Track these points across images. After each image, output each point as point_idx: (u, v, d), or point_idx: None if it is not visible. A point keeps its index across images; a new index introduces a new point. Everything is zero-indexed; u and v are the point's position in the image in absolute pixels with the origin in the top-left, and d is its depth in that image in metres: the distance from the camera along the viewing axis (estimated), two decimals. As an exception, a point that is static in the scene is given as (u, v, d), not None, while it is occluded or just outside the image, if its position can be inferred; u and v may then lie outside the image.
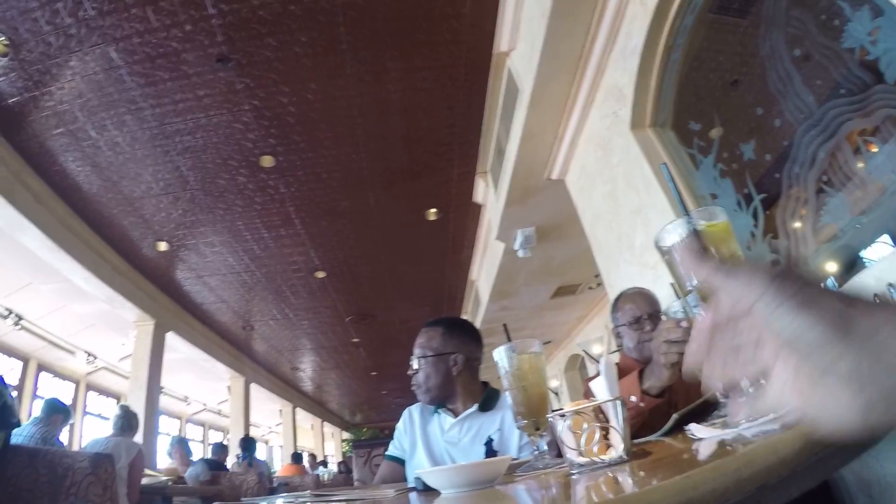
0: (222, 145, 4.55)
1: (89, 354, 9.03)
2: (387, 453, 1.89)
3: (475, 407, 1.70)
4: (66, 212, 5.26)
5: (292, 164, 4.85)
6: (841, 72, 1.86)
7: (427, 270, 7.46)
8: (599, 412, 0.87)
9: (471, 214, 6.04)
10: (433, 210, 5.84)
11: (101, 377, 9.91)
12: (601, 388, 1.03)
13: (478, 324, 7.63)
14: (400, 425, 1.86)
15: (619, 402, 0.87)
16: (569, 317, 8.19)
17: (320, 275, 7.09)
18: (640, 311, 1.80)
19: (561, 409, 0.90)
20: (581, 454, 0.82)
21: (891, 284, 1.65)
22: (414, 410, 1.85)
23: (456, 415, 1.73)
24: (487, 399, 1.72)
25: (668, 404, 1.44)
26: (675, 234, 0.72)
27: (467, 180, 5.41)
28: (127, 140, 4.40)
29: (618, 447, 0.83)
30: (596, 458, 0.81)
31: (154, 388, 6.74)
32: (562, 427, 0.86)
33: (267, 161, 4.76)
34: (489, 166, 4.93)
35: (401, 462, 1.81)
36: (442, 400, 1.74)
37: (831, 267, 1.98)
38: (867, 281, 1.74)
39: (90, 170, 4.77)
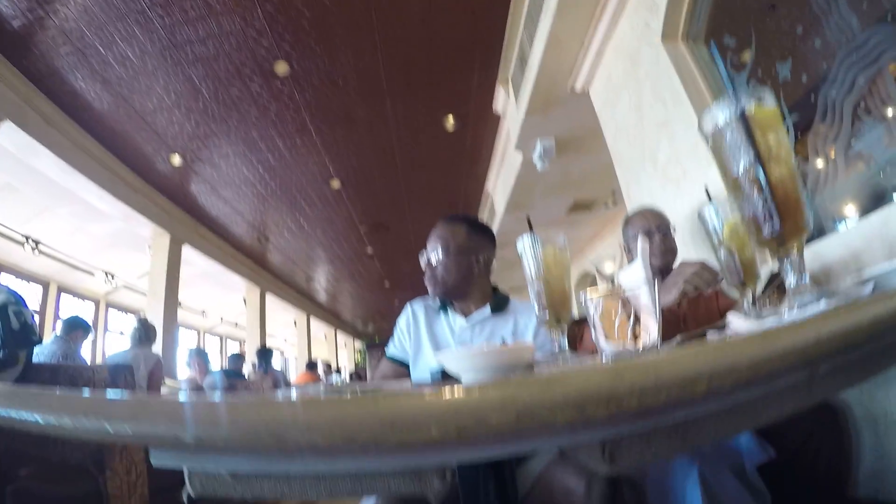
0: (235, 53, 4.59)
1: (108, 274, 9.52)
2: (388, 352, 1.88)
3: (487, 309, 1.73)
4: (77, 132, 5.43)
5: (307, 71, 4.89)
6: (890, -2, 1.82)
7: (443, 181, 7.61)
8: (629, 302, 0.90)
9: (489, 124, 6.11)
10: (451, 119, 5.90)
11: (120, 295, 10.49)
12: (634, 273, 1.01)
13: (493, 236, 7.86)
14: (402, 323, 1.85)
15: (654, 286, 0.91)
16: (582, 233, 8.39)
17: (335, 184, 7.26)
18: (651, 224, 1.91)
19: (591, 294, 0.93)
20: (612, 339, 0.86)
21: None
22: (417, 308, 1.85)
23: (466, 315, 1.75)
24: (499, 302, 1.76)
25: (677, 321, 1.71)
26: (722, 115, 0.76)
27: (487, 89, 5.45)
28: (136, 53, 4.47)
29: (651, 333, 0.85)
30: (629, 345, 0.85)
31: (171, 301, 7.12)
32: (593, 310, 0.90)
33: (281, 68, 4.79)
34: (511, 74, 4.95)
35: (402, 364, 1.81)
36: (456, 298, 1.76)
37: (859, 199, 2.01)
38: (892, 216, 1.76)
39: (100, 87, 4.87)
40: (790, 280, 0.75)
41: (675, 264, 1.88)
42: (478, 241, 1.76)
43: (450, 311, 1.78)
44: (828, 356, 0.48)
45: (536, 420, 0.38)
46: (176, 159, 6.20)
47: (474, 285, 1.76)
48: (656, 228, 1.90)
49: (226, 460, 0.54)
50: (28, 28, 4.06)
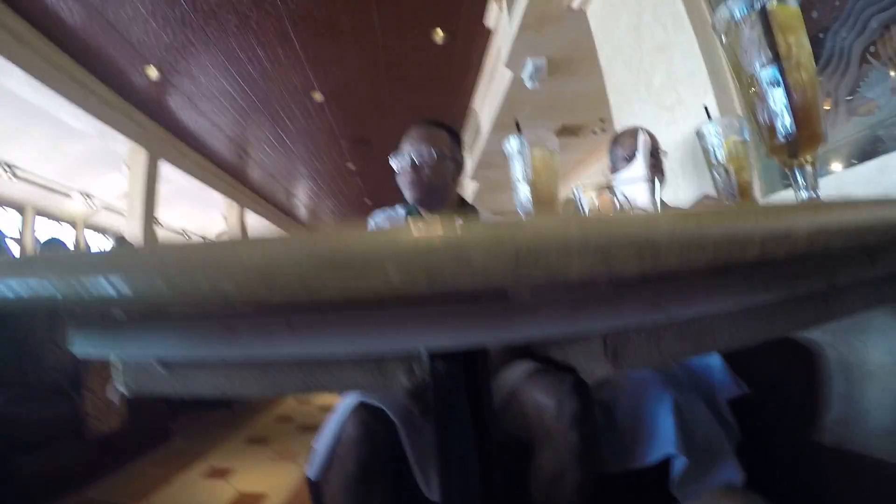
0: (214, -43, 4.41)
1: (85, 195, 9.41)
2: None
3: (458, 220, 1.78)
4: (50, 48, 5.26)
5: (290, -24, 4.72)
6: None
7: (429, 96, 7.50)
8: (627, 201, 0.89)
9: (480, 39, 6.00)
10: (441, 31, 5.78)
11: (99, 217, 10.43)
12: (634, 171, 0.99)
13: (476, 154, 7.90)
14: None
15: (656, 182, 0.91)
16: (568, 159, 8.32)
17: (318, 97, 7.15)
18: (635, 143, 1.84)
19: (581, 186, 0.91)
20: None
21: None
22: (379, 219, 1.79)
23: None
24: (469, 213, 1.76)
25: None
26: (741, 9, 0.72)
27: (479, 2, 5.33)
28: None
29: None
30: None
31: (150, 220, 7.14)
32: (586, 206, 0.89)
33: (263, -28, 4.63)
34: (505, -13, 4.83)
35: None
36: (433, 205, 1.73)
37: (859, 145, 1.96)
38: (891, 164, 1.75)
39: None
40: (802, 194, 0.73)
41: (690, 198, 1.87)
42: (457, 149, 1.77)
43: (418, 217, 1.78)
44: (880, 245, 0.47)
45: (542, 266, 0.30)
46: (152, 72, 6.04)
47: (450, 194, 1.76)
48: (653, 150, 1.83)
49: (152, 341, 0.46)
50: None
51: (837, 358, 1.53)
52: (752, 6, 0.70)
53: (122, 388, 0.50)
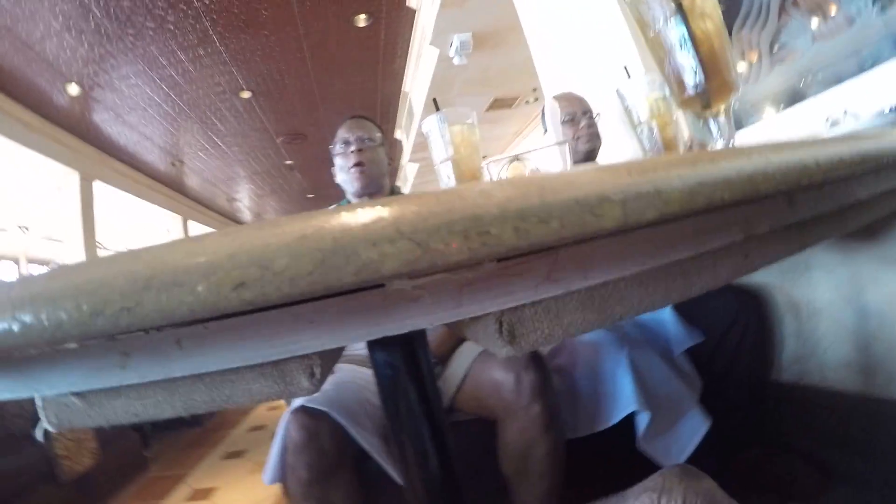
0: (121, -39, 4.31)
1: (21, 227, 9.04)
2: None
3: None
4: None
5: (203, -28, 4.63)
6: None
7: (358, 82, 7.47)
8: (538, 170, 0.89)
9: (404, 20, 6.00)
10: (363, 15, 5.77)
11: (40, 248, 10.03)
12: (547, 138, 1.00)
13: (412, 136, 7.93)
14: None
15: (565, 146, 0.91)
16: (504, 131, 8.44)
17: (245, 95, 7.04)
18: (575, 109, 1.83)
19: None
20: None
21: (846, 111, 1.65)
22: None
23: None
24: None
25: None
26: None
27: (399, -19, 5.33)
28: (12, -25, 4.12)
29: None
30: None
31: (90, 243, 6.94)
32: (491, 174, 0.91)
33: (175, -28, 4.54)
34: (423, -36, 4.86)
35: None
36: (376, 191, 1.75)
37: (782, 90, 2.02)
38: (814, 108, 1.81)
39: (-24, 20, 4.49)
40: (717, 145, 0.73)
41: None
42: (385, 140, 1.83)
43: None
44: (767, 204, 0.46)
45: (352, 262, 0.29)
46: (73, 89, 5.84)
47: (386, 183, 1.82)
48: (582, 114, 1.83)
49: (59, 378, 0.44)
50: None
51: (786, 298, 1.61)
52: None
53: (47, 426, 0.49)
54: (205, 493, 2.92)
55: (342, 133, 1.76)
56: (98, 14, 4.80)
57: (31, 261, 10.14)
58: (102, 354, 0.40)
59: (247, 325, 0.38)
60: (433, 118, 1.03)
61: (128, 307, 0.28)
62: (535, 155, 1.06)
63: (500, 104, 7.15)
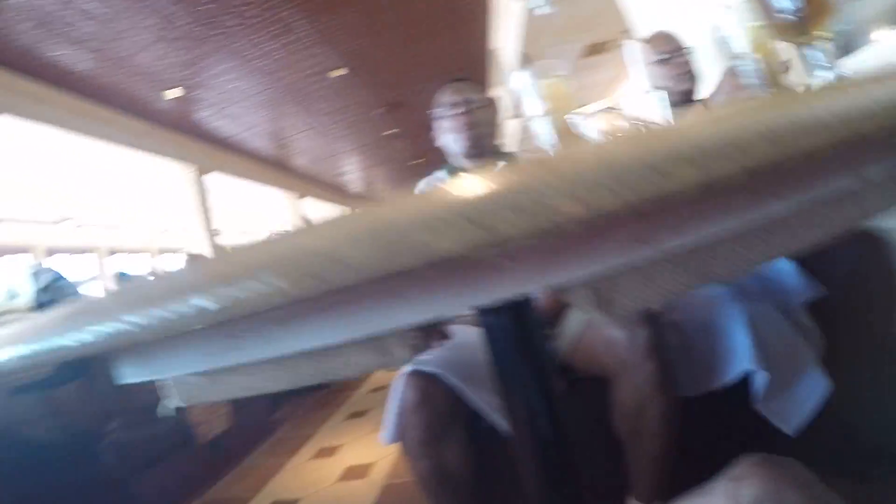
0: (194, -33, 4.35)
1: (148, 224, 9.91)
2: None
3: (500, 166, 1.76)
4: (71, 99, 5.44)
5: (278, -40, 4.58)
6: None
7: (447, 45, 7.21)
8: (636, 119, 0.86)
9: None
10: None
11: (170, 240, 11.07)
12: (635, 84, 0.92)
13: (510, 93, 7.63)
14: None
15: (663, 95, 0.86)
16: (603, 77, 7.93)
17: (339, 72, 7.04)
18: (665, 48, 1.75)
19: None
20: None
21: None
22: (424, 186, 1.75)
23: None
24: (512, 159, 1.76)
25: None
26: None
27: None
28: (95, 4, 4.32)
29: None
30: None
31: (212, 231, 7.42)
32: (585, 128, 0.85)
33: (247, -34, 4.53)
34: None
35: None
36: (486, 156, 1.71)
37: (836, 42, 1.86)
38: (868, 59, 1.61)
39: (73, 48, 4.80)
40: (818, 76, 0.66)
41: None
42: (493, 102, 1.76)
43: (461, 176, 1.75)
44: (879, 142, 0.39)
45: (414, 251, 0.30)
46: (174, 92, 6.15)
47: (493, 142, 1.76)
48: (671, 53, 1.74)
49: (181, 360, 0.52)
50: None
51: None
52: None
53: (178, 402, 0.57)
54: (330, 450, 3.06)
55: (446, 96, 1.71)
56: (182, 22, 4.94)
57: (160, 251, 11.04)
58: (215, 340, 0.46)
59: (350, 299, 0.40)
60: (523, 73, 0.89)
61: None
62: (630, 102, 0.89)
63: (593, 50, 6.67)
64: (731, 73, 1.70)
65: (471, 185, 0.31)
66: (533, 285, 0.43)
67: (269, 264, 0.32)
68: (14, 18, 4.12)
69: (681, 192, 0.30)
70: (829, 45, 0.58)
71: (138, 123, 6.47)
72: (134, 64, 5.36)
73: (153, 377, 0.54)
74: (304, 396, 4.48)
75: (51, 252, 8.44)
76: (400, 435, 1.23)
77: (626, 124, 0.81)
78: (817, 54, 0.60)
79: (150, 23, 4.79)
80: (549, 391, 0.61)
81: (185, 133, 7.33)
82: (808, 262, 1.40)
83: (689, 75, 1.71)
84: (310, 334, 0.46)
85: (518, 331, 0.59)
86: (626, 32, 6.03)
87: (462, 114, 1.65)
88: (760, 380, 1.15)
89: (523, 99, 1.09)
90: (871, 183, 0.45)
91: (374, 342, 0.46)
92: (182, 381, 0.56)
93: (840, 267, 1.40)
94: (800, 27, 0.59)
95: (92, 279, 9.31)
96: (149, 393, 2.62)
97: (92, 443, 2.33)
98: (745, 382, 1.18)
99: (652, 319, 1.17)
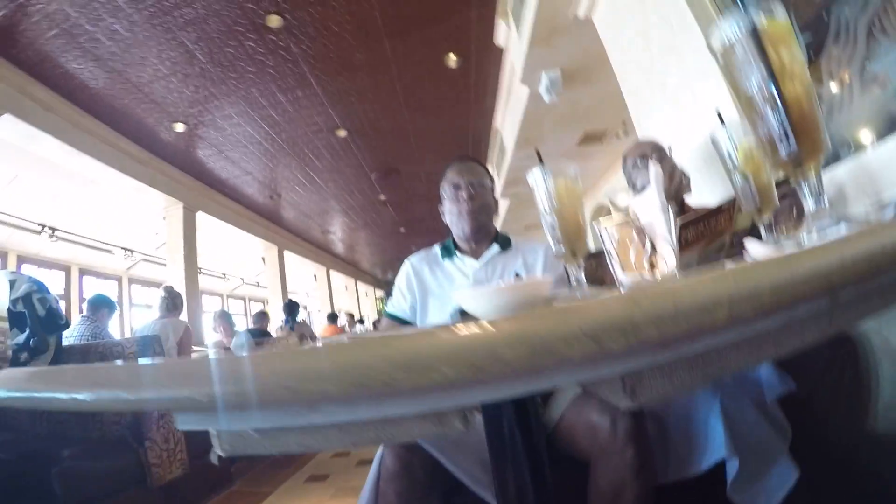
0: (225, 11, 4.52)
1: (126, 250, 9.77)
2: (387, 311, 1.90)
3: (496, 247, 1.80)
4: (77, 113, 5.48)
5: (301, 21, 4.81)
6: None
7: (449, 120, 7.52)
8: (643, 232, 0.89)
9: (492, 59, 5.98)
10: (453, 56, 5.78)
11: (141, 269, 10.81)
12: (649, 200, 1.01)
13: (503, 172, 7.91)
14: (401, 281, 1.85)
15: (669, 213, 0.90)
16: (595, 166, 8.30)
17: (342, 133, 7.24)
18: (645, 149, 1.94)
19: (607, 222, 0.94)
20: (629, 269, 0.87)
21: None
22: (416, 262, 1.86)
23: (477, 256, 1.80)
24: (504, 240, 1.83)
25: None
26: (732, 30, 0.73)
27: (487, 21, 5.31)
28: (125, 26, 4.43)
29: (669, 261, 0.84)
30: (646, 275, 0.85)
31: (191, 269, 7.33)
32: (607, 239, 0.91)
33: (274, 21, 4.72)
34: (510, 6, 4.82)
35: (403, 322, 1.82)
36: (482, 235, 1.80)
37: (875, 122, 1.93)
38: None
39: (93, 65, 4.88)
40: (808, 203, 0.73)
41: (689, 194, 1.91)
42: (492, 183, 1.85)
43: (457, 256, 1.82)
44: (851, 282, 0.46)
45: (552, 353, 0.38)
46: (179, 127, 6.23)
47: (492, 225, 1.87)
48: (651, 151, 1.92)
49: (249, 417, 0.53)
50: (11, 17, 4.06)
51: (882, 343, 1.53)
52: (743, 26, 0.71)
53: (220, 452, 0.57)
54: (288, 514, 2.91)
55: (452, 176, 1.80)
56: (202, 60, 5.08)
57: (132, 280, 10.84)
58: (295, 407, 0.49)
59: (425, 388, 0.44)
60: (537, 171, 1.08)
61: (387, 382, 0.37)
62: (637, 208, 1.05)
63: (590, 139, 7.02)
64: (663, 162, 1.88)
65: (587, 307, 0.40)
66: (578, 378, 0.55)
67: (441, 356, 0.37)
68: (42, 22, 4.19)
69: (704, 330, 0.42)
70: (816, 179, 0.67)
71: (138, 151, 6.51)
72: (147, 92, 5.45)
73: (211, 428, 0.55)
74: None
75: (21, 260, 8.17)
76: (375, 502, 1.23)
77: (637, 238, 0.88)
78: (807, 187, 0.69)
79: (172, 55, 4.92)
80: (542, 471, 0.65)
81: (181, 168, 7.37)
82: (783, 359, 1.43)
83: (670, 173, 1.85)
84: (382, 406, 0.50)
85: (518, 411, 0.65)
86: (624, 123, 6.39)
87: (465, 199, 1.75)
88: (733, 468, 1.19)
89: (535, 194, 1.17)
90: (843, 303, 0.53)
91: (437, 415, 0.52)
92: (234, 433, 0.56)
93: (814, 365, 1.47)
94: (793, 163, 0.66)
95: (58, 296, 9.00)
96: (111, 425, 2.62)
97: (41, 467, 2.21)
98: (717, 471, 1.21)
99: (634, 408, 1.17)
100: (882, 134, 1.88)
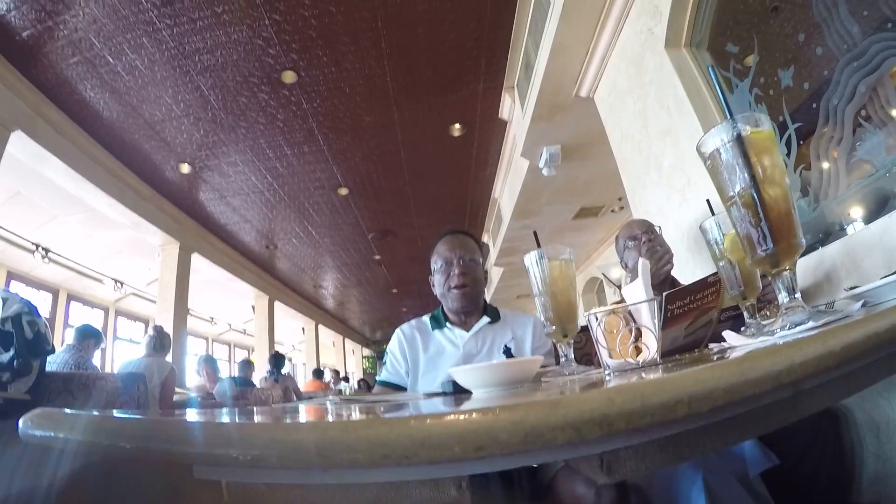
0: (243, 62, 4.67)
1: (117, 281, 9.70)
2: (379, 379, 1.91)
3: (486, 319, 1.82)
4: (87, 141, 5.56)
5: (315, 80, 4.97)
6: (891, 5, 1.84)
7: (450, 187, 7.68)
8: (632, 318, 0.92)
9: (496, 131, 6.16)
10: (458, 125, 5.96)
11: (129, 303, 10.70)
12: (636, 290, 1.04)
13: (499, 242, 7.98)
14: (394, 348, 1.87)
15: (654, 304, 0.93)
16: (590, 239, 8.40)
17: (343, 191, 7.36)
18: (634, 230, 2.07)
19: (595, 311, 0.94)
20: (615, 354, 0.89)
21: None
22: (408, 331, 1.88)
23: (468, 328, 1.81)
24: (493, 312, 1.85)
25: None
26: (719, 138, 0.79)
27: (493, 95, 5.49)
28: (145, 63, 4.56)
29: (651, 349, 0.87)
30: (630, 360, 0.88)
31: (181, 309, 7.25)
32: (596, 327, 0.92)
33: (289, 77, 4.88)
34: (516, 81, 5.00)
35: (396, 388, 1.83)
36: (473, 308, 1.83)
37: (861, 205, 2.02)
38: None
39: (109, 96, 4.99)
40: (782, 297, 0.78)
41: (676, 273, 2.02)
42: (482, 257, 1.87)
43: (447, 327, 1.83)
44: (800, 381, 0.50)
45: (541, 439, 0.42)
46: (185, 168, 6.31)
47: (483, 299, 1.88)
48: (641, 233, 2.05)
49: (266, 474, 0.57)
50: (37, 38, 4.17)
51: (865, 417, 1.59)
52: (730, 135, 0.77)
53: (226, 498, 0.59)
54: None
55: (444, 251, 1.81)
56: (216, 106, 5.21)
57: (119, 313, 10.68)
58: (308, 469, 0.51)
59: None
60: (534, 254, 1.13)
61: (407, 456, 0.41)
62: (627, 295, 1.06)
63: (586, 213, 7.11)
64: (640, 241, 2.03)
65: (571, 401, 0.44)
66: (562, 455, 0.59)
67: (453, 435, 0.41)
68: (66, 48, 4.30)
69: (667, 423, 0.44)
70: (791, 276, 0.73)
71: (142, 186, 6.56)
72: (157, 129, 5.55)
73: (222, 480, 0.58)
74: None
75: (11, 276, 8.06)
76: None
77: (623, 325, 0.92)
78: (782, 284, 0.76)
79: (187, 97, 5.05)
80: None
81: (182, 208, 7.42)
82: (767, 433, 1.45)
83: (656, 251, 1.99)
84: (396, 472, 0.54)
85: (506, 487, 0.72)
86: (620, 200, 6.48)
87: (457, 274, 1.76)
88: None
89: (530, 274, 1.22)
90: (806, 392, 0.57)
91: (434, 482, 0.55)
92: (248, 485, 0.59)
93: (798, 438, 1.46)
94: (770, 262, 0.72)
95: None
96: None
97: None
98: None
99: (618, 482, 1.17)
100: (869, 215, 1.95)
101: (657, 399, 0.44)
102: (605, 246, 8.64)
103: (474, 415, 0.43)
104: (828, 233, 2.14)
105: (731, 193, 0.79)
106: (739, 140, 0.76)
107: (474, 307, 1.82)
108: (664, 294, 1.13)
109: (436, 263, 1.83)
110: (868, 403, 1.59)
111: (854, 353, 0.51)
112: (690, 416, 0.44)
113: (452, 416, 0.44)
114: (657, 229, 2.09)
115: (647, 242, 2.02)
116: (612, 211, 7.04)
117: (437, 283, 1.83)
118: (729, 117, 0.78)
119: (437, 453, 0.41)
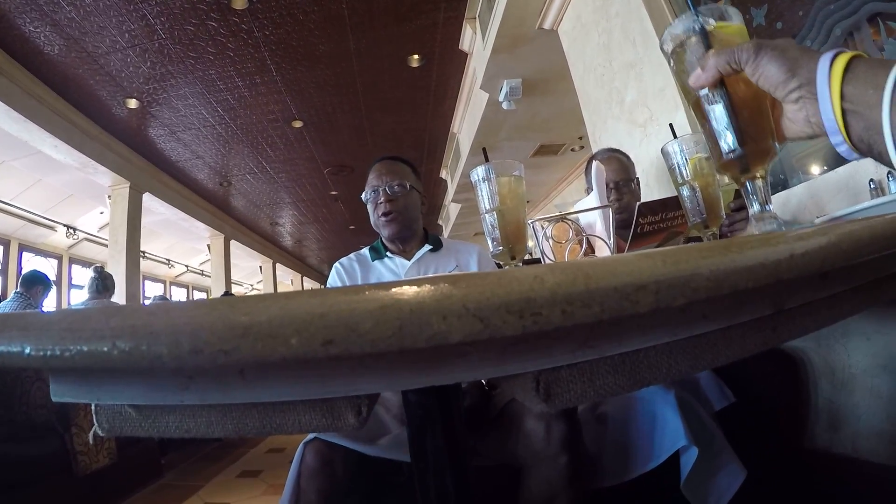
0: (190, -13, 4.42)
1: (69, 227, 9.36)
2: None
3: (427, 247, 1.79)
4: (29, 79, 5.26)
5: (266, 5, 4.73)
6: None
7: (407, 120, 7.55)
8: (581, 230, 0.86)
9: (455, 62, 6.05)
10: (416, 56, 5.82)
11: (83, 249, 10.35)
12: (590, 202, 0.98)
13: (457, 177, 7.99)
14: (334, 283, 1.82)
15: (608, 211, 0.88)
16: (549, 178, 8.46)
17: (297, 124, 7.17)
18: (615, 176, 1.86)
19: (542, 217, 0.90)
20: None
21: (890, 173, 1.68)
22: (347, 263, 1.84)
23: (409, 257, 1.78)
24: (435, 240, 1.82)
25: None
26: (682, 31, 0.71)
27: (454, 25, 5.37)
28: (87, -9, 4.27)
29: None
30: None
31: (134, 251, 7.08)
32: (542, 236, 0.88)
33: (239, 2, 4.64)
34: (478, 12, 4.91)
35: None
36: (408, 237, 1.78)
37: (827, 154, 2.01)
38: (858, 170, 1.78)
39: (50, 30, 4.69)
40: (754, 208, 0.72)
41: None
42: (419, 182, 1.82)
43: (388, 256, 1.80)
44: (798, 281, 0.41)
45: (425, 333, 0.31)
46: (132, 103, 6.03)
47: (420, 226, 1.83)
48: (623, 182, 1.87)
49: (120, 390, 0.46)
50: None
51: (821, 363, 1.54)
52: (693, 29, 0.70)
53: (99, 431, 0.52)
54: (217, 507, 2.86)
55: (372, 178, 1.76)
56: (162, 35, 4.94)
57: (73, 260, 10.41)
58: (167, 375, 0.41)
59: (309, 366, 0.39)
60: (481, 169, 1.05)
61: (225, 350, 0.31)
62: (579, 214, 1.03)
63: (545, 150, 7.14)
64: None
65: (478, 280, 0.34)
66: (483, 372, 0.48)
67: (291, 322, 0.31)
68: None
69: (623, 320, 0.35)
70: (763, 185, 0.68)
71: (88, 124, 6.26)
72: (102, 63, 5.26)
73: (85, 400, 0.48)
74: (195, 444, 4.20)
75: None
76: (296, 500, 1.17)
77: (575, 236, 0.89)
78: (752, 191, 0.69)
79: (132, 27, 4.77)
80: (465, 476, 0.61)
81: (131, 146, 7.12)
82: (723, 371, 1.48)
83: (628, 206, 1.79)
84: (265, 389, 0.44)
85: (442, 411, 0.59)
86: (581, 139, 6.55)
87: (382, 202, 1.70)
88: (690, 459, 1.16)
89: (477, 191, 1.15)
90: (788, 311, 0.50)
91: (326, 404, 0.47)
92: (109, 409, 0.51)
93: (751, 377, 1.49)
94: (739, 166, 0.67)
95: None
96: (37, 408, 2.47)
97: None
98: (671, 471, 1.19)
99: (569, 414, 1.16)
100: (832, 167, 1.97)
101: (610, 282, 0.34)
102: (564, 185, 8.71)
103: (329, 297, 0.32)
104: (787, 182, 2.20)
105: (696, 93, 0.72)
106: (704, 33, 0.69)
107: (409, 234, 1.77)
108: (638, 204, 1.14)
109: (366, 194, 1.77)
110: (825, 349, 1.56)
111: (858, 251, 0.43)
112: (657, 310, 0.34)
113: (299, 299, 0.33)
114: (633, 184, 1.91)
115: (626, 195, 1.85)
116: (573, 150, 7.09)
117: (371, 213, 1.78)
118: (691, 9, 0.70)
119: (265, 346, 0.31)
